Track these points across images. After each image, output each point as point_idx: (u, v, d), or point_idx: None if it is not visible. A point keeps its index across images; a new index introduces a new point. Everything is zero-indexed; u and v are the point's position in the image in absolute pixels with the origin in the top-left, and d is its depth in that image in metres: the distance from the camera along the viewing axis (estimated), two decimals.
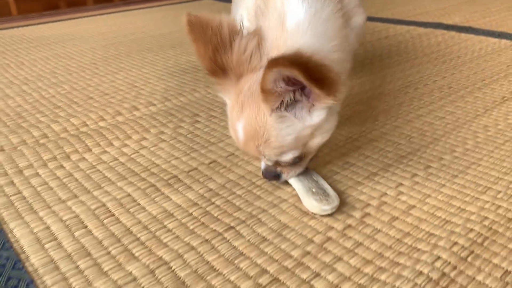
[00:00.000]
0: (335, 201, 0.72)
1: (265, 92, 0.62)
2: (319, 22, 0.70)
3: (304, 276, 0.61)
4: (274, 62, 0.57)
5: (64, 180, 0.85)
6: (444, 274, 0.60)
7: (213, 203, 0.77)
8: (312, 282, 0.60)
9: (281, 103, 0.64)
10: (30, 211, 0.76)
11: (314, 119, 0.66)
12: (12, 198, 0.80)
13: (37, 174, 0.87)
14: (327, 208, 0.71)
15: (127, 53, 1.65)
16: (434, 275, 0.60)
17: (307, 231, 0.69)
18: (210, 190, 0.80)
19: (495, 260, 0.62)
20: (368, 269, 0.61)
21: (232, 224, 0.71)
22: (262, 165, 0.76)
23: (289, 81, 0.60)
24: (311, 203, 0.72)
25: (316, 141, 0.71)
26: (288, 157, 0.70)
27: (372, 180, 0.81)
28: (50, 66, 1.53)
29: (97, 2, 2.91)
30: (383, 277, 0.60)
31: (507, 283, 0.58)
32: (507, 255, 0.63)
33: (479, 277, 0.60)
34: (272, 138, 0.67)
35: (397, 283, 0.59)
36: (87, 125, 1.07)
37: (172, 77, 1.38)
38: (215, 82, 0.71)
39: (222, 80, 0.70)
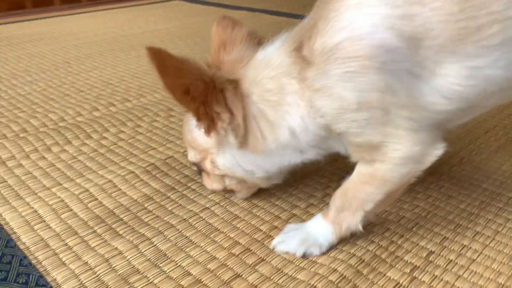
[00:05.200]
0: None
1: None
2: None
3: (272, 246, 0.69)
4: None
5: (47, 169, 0.90)
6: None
7: (189, 187, 0.84)
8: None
9: None
10: (17, 197, 0.81)
11: None
12: None
13: (20, 165, 0.92)
14: None
15: (100, 52, 1.69)
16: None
17: (274, 209, 0.77)
18: (186, 176, 0.88)
19: None
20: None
21: (207, 205, 0.79)
22: None
23: None
24: None
25: None
26: None
27: None
28: (23, 65, 1.56)
29: (64, 2, 2.91)
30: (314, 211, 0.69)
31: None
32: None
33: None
34: None
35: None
36: (65, 120, 1.12)
37: (145, 75, 1.44)
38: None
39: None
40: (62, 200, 0.80)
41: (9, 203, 0.80)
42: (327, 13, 0.57)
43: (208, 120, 0.65)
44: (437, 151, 0.60)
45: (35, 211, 0.78)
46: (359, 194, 0.64)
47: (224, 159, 0.71)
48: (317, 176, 0.87)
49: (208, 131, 0.67)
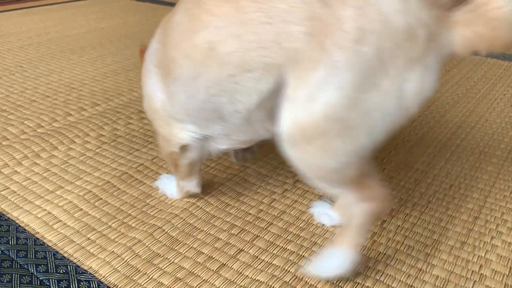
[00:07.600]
0: None
1: None
2: None
3: (262, 225, 0.86)
4: None
5: (44, 174, 0.99)
6: None
7: None
8: (268, 228, 0.85)
9: None
10: (26, 201, 0.90)
11: None
12: (3, 192, 0.93)
13: (16, 172, 1.00)
14: None
15: (51, 55, 1.72)
16: None
17: (257, 196, 0.94)
18: None
19: None
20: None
21: (200, 196, 0.93)
22: None
23: None
24: None
25: None
26: None
27: None
28: None
29: None
30: (289, 194, 0.88)
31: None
32: None
33: None
34: None
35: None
36: (42, 126, 1.19)
37: (105, 78, 1.52)
38: None
39: None
40: (71, 202, 0.91)
41: (21, 207, 0.89)
42: None
43: None
44: (184, 135, 0.79)
45: (49, 212, 0.87)
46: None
47: None
48: (286, 166, 1.05)
49: None
